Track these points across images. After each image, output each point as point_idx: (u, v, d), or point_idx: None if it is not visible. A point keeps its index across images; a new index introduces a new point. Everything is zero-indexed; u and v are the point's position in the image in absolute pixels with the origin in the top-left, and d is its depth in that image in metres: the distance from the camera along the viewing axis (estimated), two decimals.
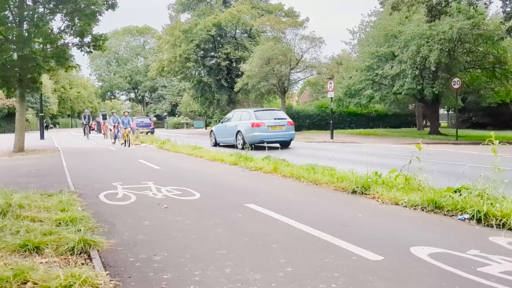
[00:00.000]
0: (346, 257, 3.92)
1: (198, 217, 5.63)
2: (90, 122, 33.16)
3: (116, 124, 23.04)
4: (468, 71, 26.16)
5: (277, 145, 17.36)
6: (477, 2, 20.54)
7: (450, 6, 20.55)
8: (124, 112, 23.22)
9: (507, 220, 4.75)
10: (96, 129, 40.84)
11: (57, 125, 68.88)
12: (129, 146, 20.00)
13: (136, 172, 10.49)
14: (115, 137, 23.48)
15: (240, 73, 37.26)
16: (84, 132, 31.33)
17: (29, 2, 16.04)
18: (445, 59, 22.68)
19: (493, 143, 5.41)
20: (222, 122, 19.98)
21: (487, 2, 20.75)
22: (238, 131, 17.39)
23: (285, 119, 17.74)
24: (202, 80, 42.57)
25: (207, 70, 42.52)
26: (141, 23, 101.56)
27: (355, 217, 5.44)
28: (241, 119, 17.88)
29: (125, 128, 20.83)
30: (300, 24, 38.77)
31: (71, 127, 76.12)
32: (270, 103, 47.95)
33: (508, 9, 19.68)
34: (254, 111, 18.10)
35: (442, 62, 22.63)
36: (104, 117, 32.77)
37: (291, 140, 17.73)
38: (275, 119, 17.32)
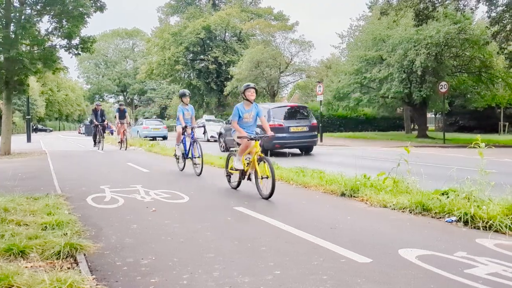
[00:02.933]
0: (334, 259, 3.93)
1: (187, 220, 5.60)
2: (106, 121, 20.06)
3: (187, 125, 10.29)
4: (455, 75, 26.50)
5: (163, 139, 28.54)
6: (463, 8, 20.85)
7: (437, 11, 20.82)
8: (182, 97, 10.73)
9: (494, 222, 4.80)
10: (84, 132, 39.08)
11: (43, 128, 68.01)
12: (199, 174, 9.91)
13: (124, 175, 10.40)
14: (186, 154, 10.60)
15: (229, 76, 37.28)
16: (95, 141, 19.33)
17: (16, 4, 15.86)
18: (432, 63, 22.95)
19: (479, 146, 5.48)
20: (137, 125, 33.38)
21: (473, 7, 21.07)
22: (138, 130, 30.72)
23: (162, 124, 32.24)
24: (192, 83, 42.51)
25: (196, 73, 42.49)
26: (130, 26, 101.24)
27: (343, 220, 5.46)
28: (141, 124, 32.09)
29: (191, 128, 10.34)
30: (289, 27, 39.00)
31: (59, 130, 75.35)
32: None
33: (493, 14, 20.00)
34: (144, 118, 30.76)
35: (429, 66, 22.90)
36: (122, 115, 19.61)
37: (164, 136, 30.31)
38: (156, 124, 31.78)
